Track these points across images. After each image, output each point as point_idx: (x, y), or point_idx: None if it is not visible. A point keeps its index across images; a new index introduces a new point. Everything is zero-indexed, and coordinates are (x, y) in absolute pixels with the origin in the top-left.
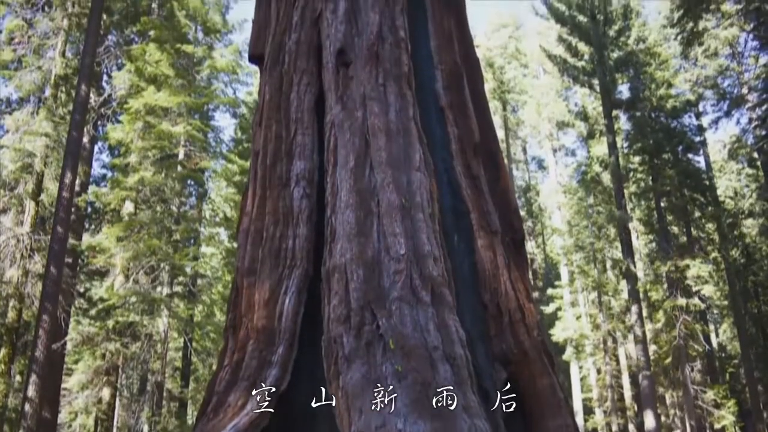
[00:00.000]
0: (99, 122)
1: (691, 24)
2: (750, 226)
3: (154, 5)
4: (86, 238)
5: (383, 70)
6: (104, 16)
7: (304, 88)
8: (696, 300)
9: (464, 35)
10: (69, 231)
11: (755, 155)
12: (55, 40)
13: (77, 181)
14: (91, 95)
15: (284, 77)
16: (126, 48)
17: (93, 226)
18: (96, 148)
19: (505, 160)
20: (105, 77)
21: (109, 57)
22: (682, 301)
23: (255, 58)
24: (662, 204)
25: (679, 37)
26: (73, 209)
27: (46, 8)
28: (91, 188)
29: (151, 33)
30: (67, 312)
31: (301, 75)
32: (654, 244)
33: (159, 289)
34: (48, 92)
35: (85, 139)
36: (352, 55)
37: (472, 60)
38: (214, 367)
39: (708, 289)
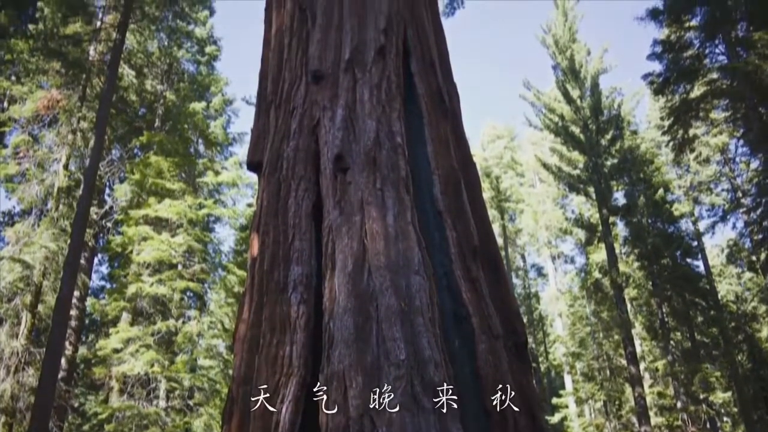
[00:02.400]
0: (99, 234)
1: (681, 131)
2: (756, 330)
3: (157, 122)
4: (83, 351)
5: (381, 175)
6: (108, 131)
7: (302, 194)
8: (704, 407)
9: (460, 141)
10: (65, 344)
11: (754, 258)
12: (60, 153)
13: (76, 293)
14: (93, 208)
15: (282, 183)
16: (128, 162)
17: (90, 338)
18: (95, 260)
19: (505, 267)
20: (107, 190)
21: (111, 170)
22: (690, 408)
23: (253, 165)
24: (664, 309)
25: (671, 144)
26: (70, 321)
27: (52, 124)
28: (90, 300)
29: (154, 146)
30: (59, 427)
31: (299, 181)
32: (658, 350)
33: (155, 402)
34: (50, 204)
35: (85, 252)
36: (349, 160)
37: (469, 164)
38: None
39: (717, 396)
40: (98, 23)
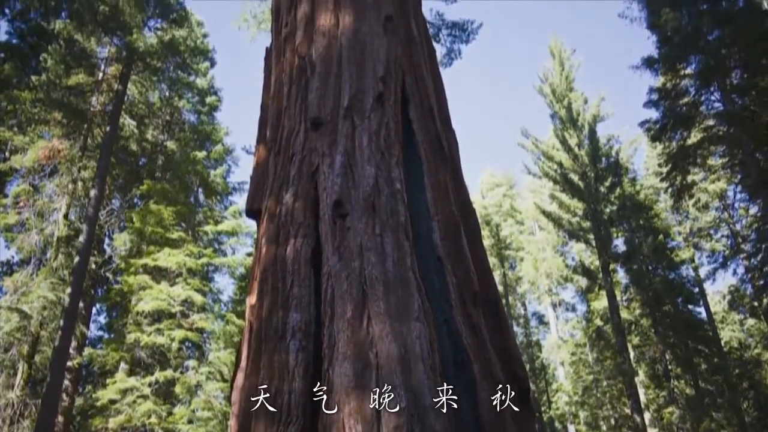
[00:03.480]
0: (98, 284)
1: (679, 177)
2: (762, 377)
3: (157, 172)
4: (80, 402)
5: (380, 220)
6: (108, 180)
7: (301, 240)
8: None
9: (460, 187)
10: (62, 395)
11: (756, 304)
12: (60, 202)
13: (73, 343)
14: (92, 257)
15: (281, 230)
16: (128, 210)
17: (87, 389)
18: (94, 310)
19: (506, 313)
20: (106, 239)
21: (111, 219)
22: None
23: (252, 212)
24: (667, 356)
25: (669, 191)
26: (67, 372)
27: (53, 174)
28: (87, 350)
29: (154, 196)
30: None
31: (298, 227)
32: (662, 399)
33: None
34: (49, 254)
35: (84, 301)
36: (348, 206)
37: (468, 211)
38: None
39: None
40: (100, 74)
